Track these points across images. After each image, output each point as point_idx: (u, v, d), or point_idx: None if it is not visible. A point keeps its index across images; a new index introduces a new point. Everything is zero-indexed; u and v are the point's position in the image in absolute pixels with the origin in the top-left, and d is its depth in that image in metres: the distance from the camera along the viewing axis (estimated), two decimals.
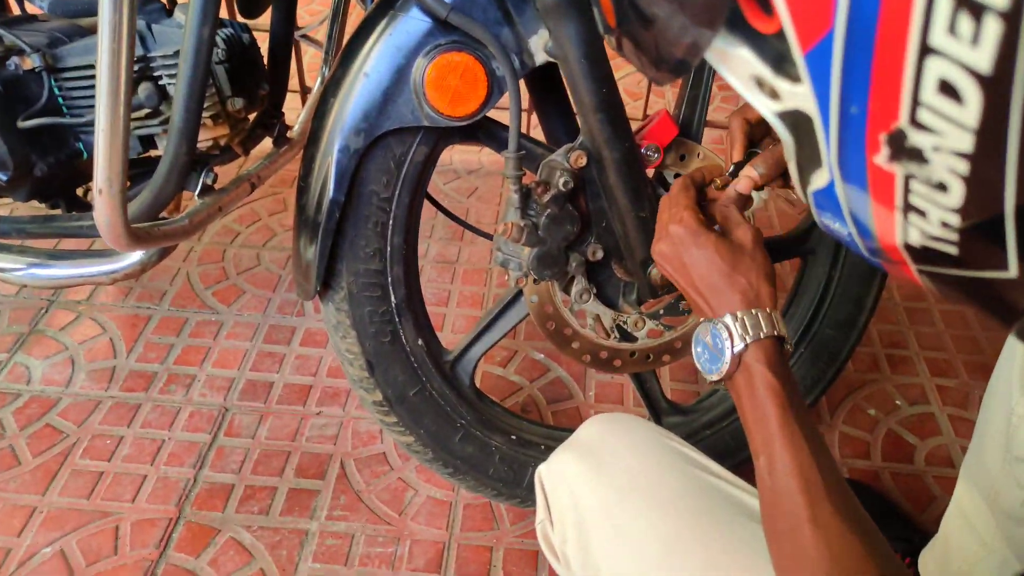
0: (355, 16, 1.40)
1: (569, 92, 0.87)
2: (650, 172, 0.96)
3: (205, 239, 1.66)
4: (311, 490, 1.21)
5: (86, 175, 1.15)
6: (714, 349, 0.70)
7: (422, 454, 1.06)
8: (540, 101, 1.03)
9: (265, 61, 1.14)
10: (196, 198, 1.00)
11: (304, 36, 1.37)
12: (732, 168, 0.85)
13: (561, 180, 0.89)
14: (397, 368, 1.00)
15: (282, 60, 1.15)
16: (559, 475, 0.77)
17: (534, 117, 1.51)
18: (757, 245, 0.73)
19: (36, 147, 0.98)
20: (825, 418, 1.36)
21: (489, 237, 1.08)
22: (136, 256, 1.02)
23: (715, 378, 0.71)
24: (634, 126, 0.92)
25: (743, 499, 0.72)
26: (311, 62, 2.16)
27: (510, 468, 1.09)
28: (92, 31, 1.06)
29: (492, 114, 0.92)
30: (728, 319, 0.69)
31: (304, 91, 1.80)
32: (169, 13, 1.01)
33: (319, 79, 1.30)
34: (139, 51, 0.98)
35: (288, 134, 1.22)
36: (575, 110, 0.89)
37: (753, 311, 0.69)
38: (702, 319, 0.74)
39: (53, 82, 1.00)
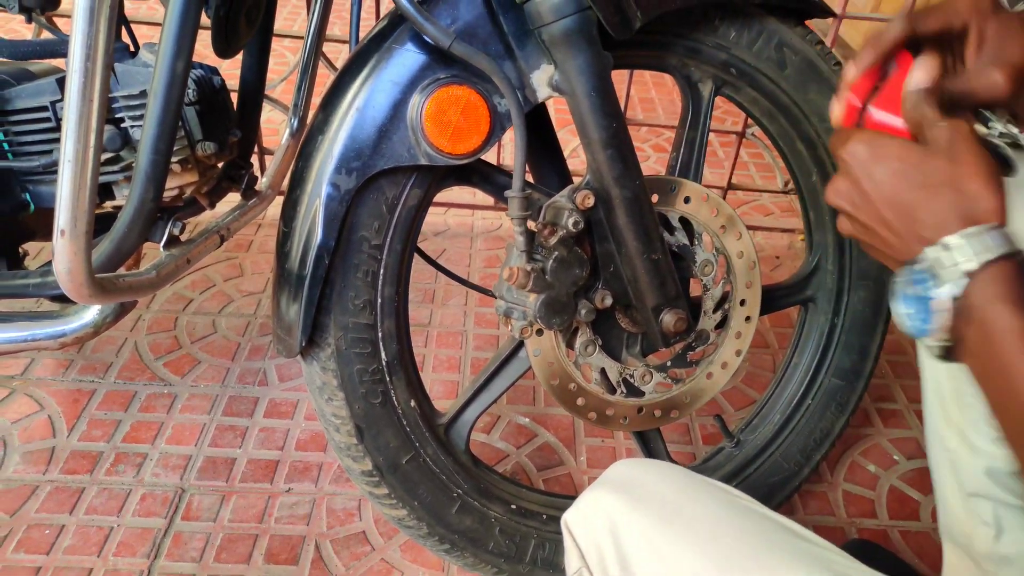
0: (323, 76, 1.35)
1: (577, 128, 0.82)
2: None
3: (154, 306, 1.54)
4: None
5: (29, 231, 1.04)
6: (922, 299, 0.52)
7: (415, 529, 0.95)
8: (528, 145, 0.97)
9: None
10: (161, 250, 0.91)
11: (267, 97, 1.30)
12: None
13: (571, 220, 0.83)
14: (389, 433, 0.90)
15: (252, 107, 1.07)
16: (592, 511, 0.68)
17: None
18: (963, 141, 0.53)
19: None
20: (826, 476, 1.30)
21: (489, 293, 1.01)
22: (90, 315, 0.91)
23: (931, 340, 0.53)
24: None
25: (787, 523, 0.65)
26: (267, 121, 2.09)
27: (511, 541, 0.99)
28: (41, 75, 0.97)
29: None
30: (932, 251, 0.52)
31: (262, 152, 1.71)
32: (133, 55, 0.93)
33: (286, 132, 1.22)
34: None
35: (255, 187, 1.13)
36: (583, 146, 0.83)
37: (970, 230, 0.50)
38: (900, 268, 0.56)
39: None
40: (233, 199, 1.09)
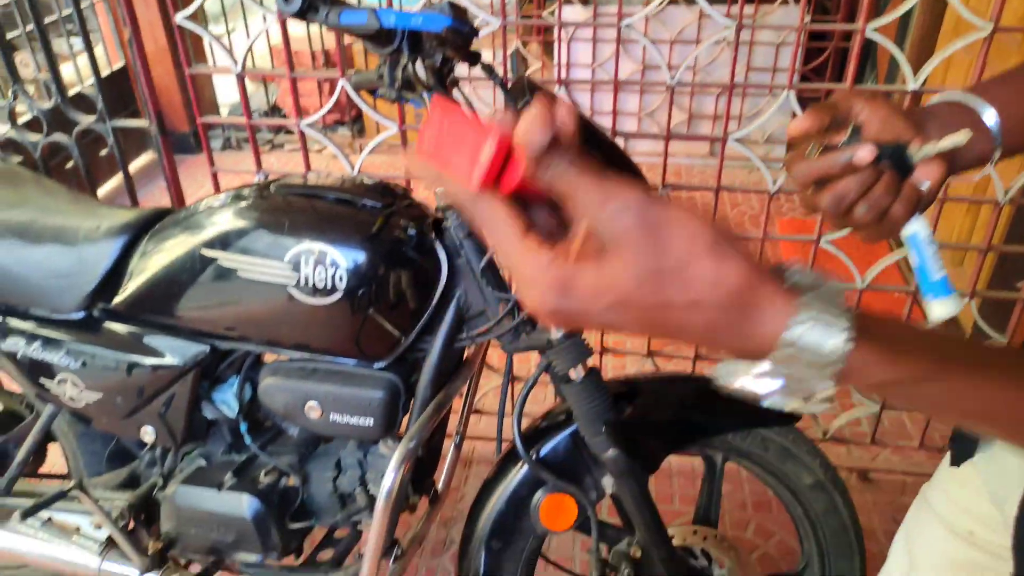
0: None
1: (629, 513, 1.41)
2: None
3: None
4: None
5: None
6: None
7: None
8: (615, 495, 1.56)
9: None
10: (391, 566, 1.56)
11: None
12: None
13: (627, 571, 1.41)
14: None
15: (436, 449, 1.72)
16: None
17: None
18: (662, 220, 0.42)
19: (294, 535, 1.56)
20: None
21: None
22: None
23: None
24: None
25: None
26: None
27: None
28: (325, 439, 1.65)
29: None
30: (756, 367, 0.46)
31: None
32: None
33: (452, 446, 1.86)
34: None
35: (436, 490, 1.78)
36: (633, 523, 1.42)
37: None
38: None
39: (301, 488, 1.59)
40: None
